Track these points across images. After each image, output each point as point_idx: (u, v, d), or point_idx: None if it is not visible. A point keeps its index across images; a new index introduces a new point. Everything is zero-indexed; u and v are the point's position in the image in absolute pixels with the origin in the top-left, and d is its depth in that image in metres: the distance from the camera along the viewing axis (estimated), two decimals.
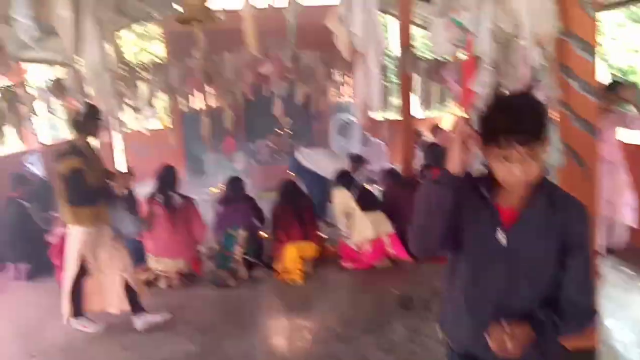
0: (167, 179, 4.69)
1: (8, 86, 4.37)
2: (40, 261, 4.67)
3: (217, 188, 8.59)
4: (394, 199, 5.20)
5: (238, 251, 4.60)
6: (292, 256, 4.52)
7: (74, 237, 3.48)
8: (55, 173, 3.42)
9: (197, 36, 3.30)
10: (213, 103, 8.76)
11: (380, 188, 6.12)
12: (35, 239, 4.82)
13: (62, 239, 4.43)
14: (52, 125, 9.40)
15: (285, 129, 10.00)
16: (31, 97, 4.68)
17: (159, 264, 4.49)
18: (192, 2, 2.92)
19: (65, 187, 3.31)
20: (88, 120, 3.40)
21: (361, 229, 4.71)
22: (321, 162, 6.18)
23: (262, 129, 9.69)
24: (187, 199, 4.73)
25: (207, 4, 2.95)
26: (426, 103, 6.01)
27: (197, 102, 7.60)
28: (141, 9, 8.82)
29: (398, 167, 7.98)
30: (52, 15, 2.48)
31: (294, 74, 5.90)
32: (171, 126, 7.57)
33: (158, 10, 9.24)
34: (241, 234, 4.64)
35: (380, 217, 4.81)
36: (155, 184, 4.69)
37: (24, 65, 8.66)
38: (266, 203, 5.32)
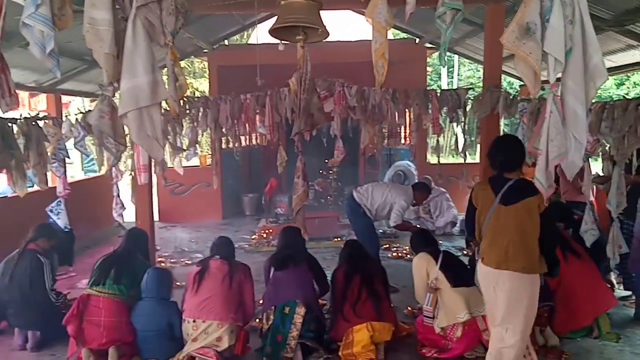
0: (227, 249, 4.03)
1: (28, 118, 3.52)
2: (52, 329, 3.81)
3: (258, 234, 7.77)
4: None
5: (294, 334, 3.66)
6: (364, 342, 3.56)
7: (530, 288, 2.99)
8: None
9: (300, 53, 2.41)
10: (259, 141, 8.11)
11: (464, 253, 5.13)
12: (49, 302, 3.99)
13: (80, 304, 3.64)
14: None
15: (332, 172, 9.24)
16: (58, 132, 3.89)
17: (197, 330, 3.59)
18: (296, 4, 2.08)
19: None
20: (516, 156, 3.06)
21: (450, 308, 3.71)
22: (383, 196, 5.22)
23: (310, 171, 8.89)
24: (244, 265, 3.99)
25: (318, 7, 2.12)
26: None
27: (244, 140, 6.88)
28: (191, 43, 8.35)
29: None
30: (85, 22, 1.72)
31: (360, 114, 5.06)
32: (212, 165, 6.79)
33: (207, 45, 8.77)
34: (299, 311, 3.70)
35: (474, 293, 3.80)
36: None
37: (66, 98, 8.16)
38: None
